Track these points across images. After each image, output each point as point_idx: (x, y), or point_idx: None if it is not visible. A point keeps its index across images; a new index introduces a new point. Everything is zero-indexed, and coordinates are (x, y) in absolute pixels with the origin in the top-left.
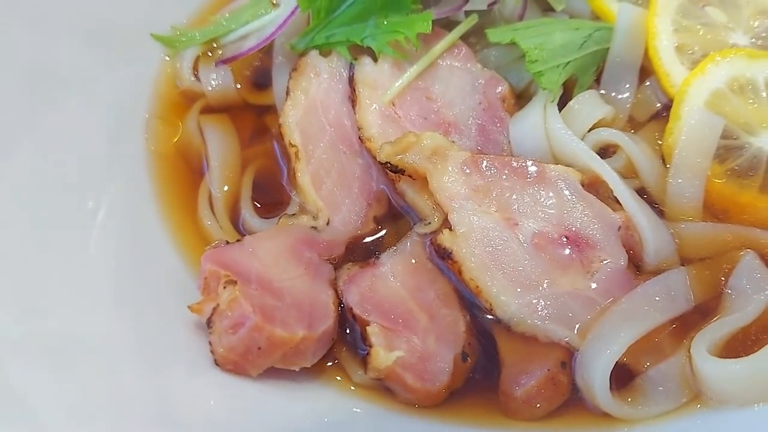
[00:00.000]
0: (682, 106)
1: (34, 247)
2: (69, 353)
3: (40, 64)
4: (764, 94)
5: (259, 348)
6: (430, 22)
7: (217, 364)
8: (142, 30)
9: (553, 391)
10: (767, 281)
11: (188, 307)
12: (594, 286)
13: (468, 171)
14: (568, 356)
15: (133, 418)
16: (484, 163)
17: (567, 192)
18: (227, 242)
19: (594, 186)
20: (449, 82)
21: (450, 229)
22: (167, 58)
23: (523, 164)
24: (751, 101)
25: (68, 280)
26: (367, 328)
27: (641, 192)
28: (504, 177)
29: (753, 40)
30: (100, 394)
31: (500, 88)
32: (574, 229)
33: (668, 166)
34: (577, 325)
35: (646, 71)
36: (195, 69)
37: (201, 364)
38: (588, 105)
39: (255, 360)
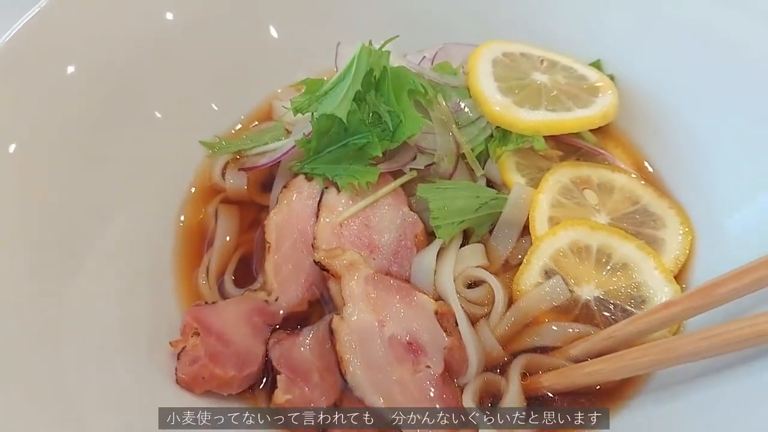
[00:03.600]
0: (533, 257)
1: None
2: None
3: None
4: (593, 258)
5: (203, 378)
6: (377, 177)
7: (176, 382)
8: (192, 135)
9: None
10: None
11: (169, 342)
12: (414, 380)
13: (367, 283)
14: None
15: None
16: (378, 280)
17: (422, 314)
18: (206, 303)
19: (445, 315)
20: (383, 216)
21: (341, 316)
22: (208, 158)
23: (402, 287)
24: (582, 261)
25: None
26: (278, 376)
27: (486, 316)
28: (387, 293)
29: (610, 221)
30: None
31: (417, 228)
32: (416, 339)
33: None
34: (389, 400)
35: (526, 230)
36: (223, 170)
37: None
38: (474, 254)
39: (199, 384)
